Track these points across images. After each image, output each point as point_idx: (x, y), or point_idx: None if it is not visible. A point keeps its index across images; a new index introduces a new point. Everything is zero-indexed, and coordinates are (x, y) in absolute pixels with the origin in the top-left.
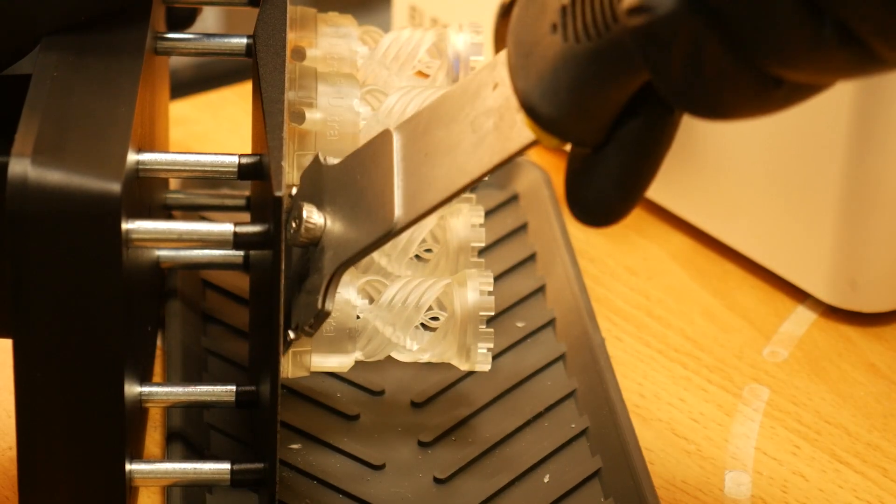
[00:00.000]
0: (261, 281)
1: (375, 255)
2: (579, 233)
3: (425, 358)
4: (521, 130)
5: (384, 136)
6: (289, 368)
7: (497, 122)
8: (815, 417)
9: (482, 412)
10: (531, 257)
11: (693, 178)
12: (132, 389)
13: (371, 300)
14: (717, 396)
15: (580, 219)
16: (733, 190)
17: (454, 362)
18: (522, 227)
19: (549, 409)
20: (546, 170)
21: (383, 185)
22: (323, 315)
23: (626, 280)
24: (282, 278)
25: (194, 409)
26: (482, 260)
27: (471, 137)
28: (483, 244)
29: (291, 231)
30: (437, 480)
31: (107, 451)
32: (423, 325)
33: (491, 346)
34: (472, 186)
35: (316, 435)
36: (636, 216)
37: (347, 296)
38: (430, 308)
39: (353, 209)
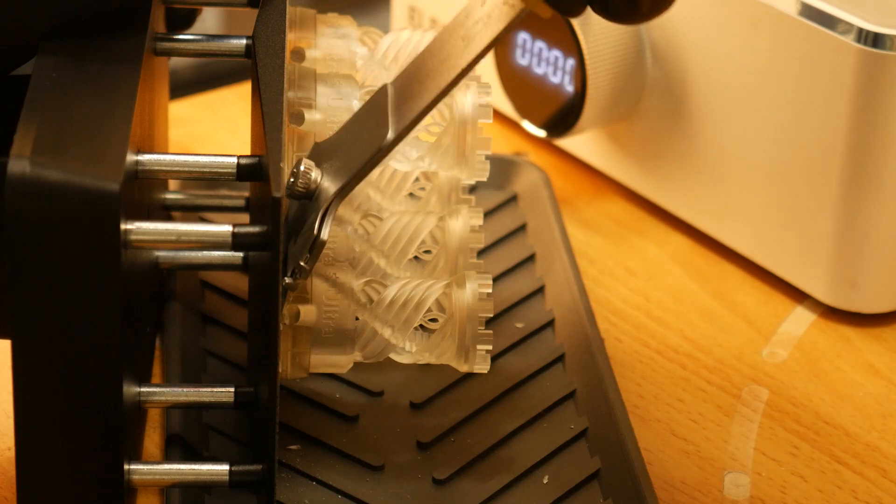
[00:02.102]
0: (260, 282)
1: (375, 255)
2: (579, 233)
3: (424, 359)
4: (511, 8)
5: (380, 91)
6: (288, 369)
7: (486, 21)
8: (814, 418)
9: (481, 413)
10: (530, 258)
11: (692, 178)
12: (131, 390)
13: (370, 301)
14: (716, 397)
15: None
16: (733, 190)
17: (453, 364)
18: (521, 228)
19: (548, 409)
20: (546, 170)
21: (378, 123)
22: (319, 244)
23: (626, 281)
24: (280, 279)
25: (193, 410)
26: (481, 261)
27: (461, 45)
28: (482, 245)
29: (290, 183)
30: (436, 481)
31: (105, 451)
32: (421, 326)
33: (490, 347)
34: (463, 77)
35: (315, 436)
36: (635, 217)
37: (348, 283)
38: (429, 309)
39: (348, 151)
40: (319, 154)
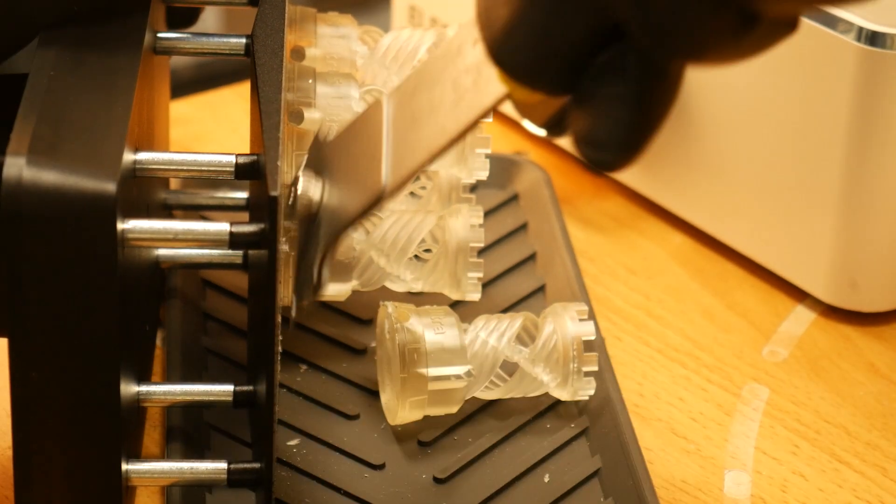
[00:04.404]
0: (258, 280)
1: (374, 254)
2: (579, 232)
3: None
4: (496, 84)
5: (376, 105)
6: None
7: (476, 79)
8: (814, 417)
9: (482, 412)
10: (531, 257)
11: (693, 178)
12: (129, 389)
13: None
14: (716, 396)
15: (595, 161)
16: (733, 190)
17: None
18: (522, 227)
19: (548, 408)
20: (546, 170)
21: (374, 152)
22: (319, 287)
23: (626, 280)
24: (277, 278)
25: (194, 409)
26: (481, 260)
27: (451, 96)
28: (482, 244)
29: (290, 204)
30: (436, 480)
31: (103, 450)
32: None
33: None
34: (453, 146)
35: (316, 434)
36: (636, 216)
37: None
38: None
39: (346, 179)
40: (320, 157)
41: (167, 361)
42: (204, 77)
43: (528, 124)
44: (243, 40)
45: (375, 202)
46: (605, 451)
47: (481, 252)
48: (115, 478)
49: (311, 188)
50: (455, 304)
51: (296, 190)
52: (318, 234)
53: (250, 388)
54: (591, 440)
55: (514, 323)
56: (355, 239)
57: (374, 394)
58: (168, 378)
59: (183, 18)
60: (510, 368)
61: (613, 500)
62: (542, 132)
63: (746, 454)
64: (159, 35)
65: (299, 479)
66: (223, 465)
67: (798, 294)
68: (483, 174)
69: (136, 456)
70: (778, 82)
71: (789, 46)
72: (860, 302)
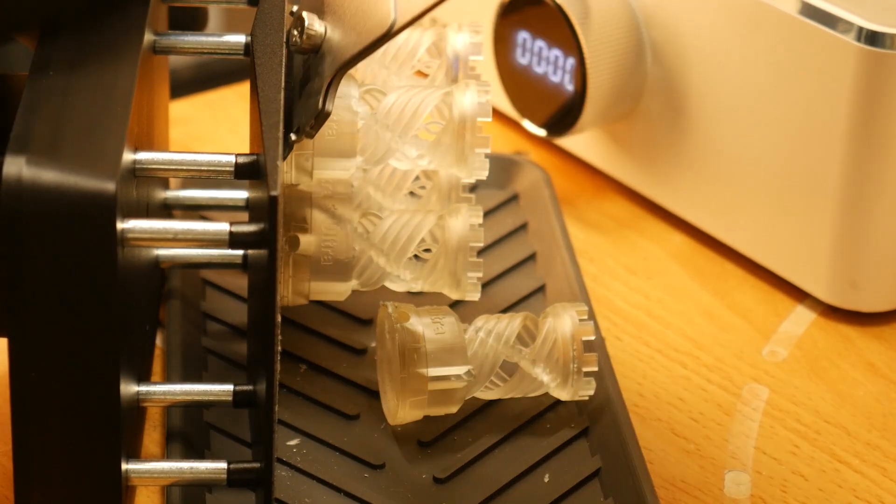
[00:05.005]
0: (258, 280)
1: (374, 254)
2: (579, 232)
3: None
4: None
5: None
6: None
7: None
8: (814, 417)
9: (482, 412)
10: (531, 257)
11: (693, 177)
12: (129, 389)
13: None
14: (716, 396)
15: None
16: (733, 189)
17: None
18: (522, 227)
19: (548, 408)
20: (546, 170)
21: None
22: (323, 115)
23: (626, 280)
24: (277, 278)
25: (194, 409)
26: (481, 260)
27: None
28: (482, 244)
29: (294, 39)
30: (436, 480)
31: (102, 450)
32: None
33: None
34: None
35: (316, 434)
36: (636, 216)
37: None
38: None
39: (352, 14)
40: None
41: (167, 361)
42: (203, 77)
43: (528, 124)
44: (243, 39)
45: (383, 37)
46: (605, 451)
47: (481, 252)
48: (114, 478)
49: (315, 23)
50: (455, 304)
51: (301, 24)
52: (323, 65)
53: (250, 387)
54: (591, 440)
55: (514, 323)
56: (355, 239)
57: (374, 394)
58: (168, 378)
59: (193, 21)
60: (510, 368)
61: (613, 500)
62: (542, 132)
63: (746, 454)
64: (158, 34)
65: (299, 479)
66: (223, 465)
67: (798, 294)
68: (483, 174)
69: (136, 456)
70: (778, 82)
71: (789, 46)
72: (860, 302)
